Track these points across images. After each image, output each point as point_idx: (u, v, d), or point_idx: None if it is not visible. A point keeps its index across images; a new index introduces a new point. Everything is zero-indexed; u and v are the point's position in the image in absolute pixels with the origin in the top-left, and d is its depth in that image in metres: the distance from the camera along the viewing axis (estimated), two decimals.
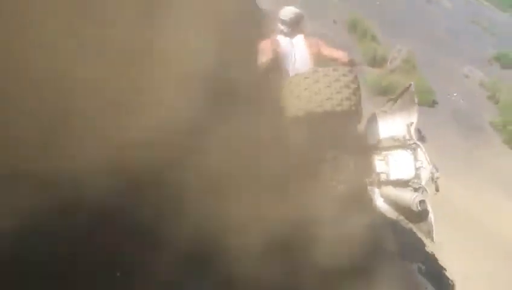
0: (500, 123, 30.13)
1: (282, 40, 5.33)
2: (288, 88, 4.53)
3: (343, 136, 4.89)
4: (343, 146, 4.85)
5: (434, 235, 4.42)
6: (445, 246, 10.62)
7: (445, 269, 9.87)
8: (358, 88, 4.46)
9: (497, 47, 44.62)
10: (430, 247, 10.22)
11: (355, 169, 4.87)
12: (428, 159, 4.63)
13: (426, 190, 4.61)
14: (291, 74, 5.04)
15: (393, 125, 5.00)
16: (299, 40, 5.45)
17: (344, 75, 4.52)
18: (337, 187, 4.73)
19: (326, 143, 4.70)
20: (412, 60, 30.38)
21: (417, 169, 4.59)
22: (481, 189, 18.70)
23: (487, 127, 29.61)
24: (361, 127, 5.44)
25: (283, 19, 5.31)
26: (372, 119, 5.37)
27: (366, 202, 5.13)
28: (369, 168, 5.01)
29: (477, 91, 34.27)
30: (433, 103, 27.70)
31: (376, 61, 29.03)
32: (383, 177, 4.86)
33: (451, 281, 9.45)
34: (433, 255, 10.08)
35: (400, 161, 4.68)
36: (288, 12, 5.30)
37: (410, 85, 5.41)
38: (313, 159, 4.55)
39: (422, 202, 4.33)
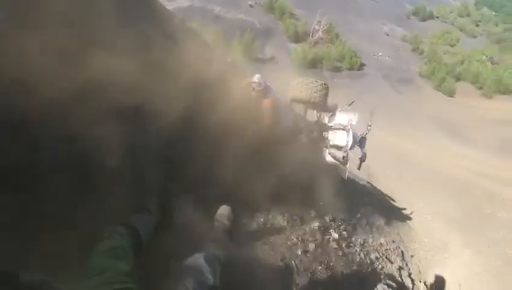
0: (428, 72, 31.06)
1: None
2: (295, 86, 6.93)
3: (315, 115, 7.56)
4: (314, 122, 7.50)
5: (346, 175, 7.21)
6: (396, 189, 10.89)
7: (393, 204, 10.10)
8: (327, 92, 6.96)
9: (413, 3, 46.16)
10: (380, 191, 10.45)
11: (319, 135, 7.33)
12: (352, 139, 6.96)
13: (348, 152, 6.86)
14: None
15: (341, 118, 7.30)
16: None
17: (321, 84, 6.87)
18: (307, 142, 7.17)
19: (304, 117, 7.43)
20: (333, 30, 30.84)
21: (347, 142, 6.95)
22: (422, 133, 19.12)
23: (416, 78, 30.40)
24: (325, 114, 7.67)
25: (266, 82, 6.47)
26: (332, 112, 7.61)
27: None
28: (324, 137, 7.37)
29: (401, 46, 35.16)
30: (361, 66, 28.24)
31: (299, 37, 29.25)
32: (330, 142, 7.20)
33: (398, 211, 9.58)
34: (383, 194, 10.35)
35: (340, 136, 7.08)
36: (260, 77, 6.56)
37: (353, 102, 8.10)
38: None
39: (345, 157, 6.85)
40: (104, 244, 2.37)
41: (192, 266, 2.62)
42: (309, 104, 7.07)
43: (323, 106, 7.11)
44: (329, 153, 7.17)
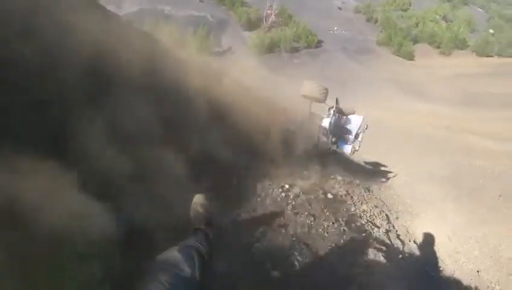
0: (385, 39, 31.32)
1: None
2: (305, 86, 8.89)
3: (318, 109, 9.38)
4: (316, 113, 9.34)
5: (331, 148, 9.05)
6: (372, 156, 10.98)
7: (372, 171, 10.20)
8: (327, 93, 8.88)
9: None
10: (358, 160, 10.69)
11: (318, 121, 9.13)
12: (334, 124, 9.07)
13: (329, 133, 8.90)
14: None
15: (329, 111, 9.14)
16: None
17: (323, 87, 8.87)
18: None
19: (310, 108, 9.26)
20: (285, 12, 30.74)
21: (329, 124, 8.85)
22: (388, 99, 19.26)
23: (374, 47, 30.58)
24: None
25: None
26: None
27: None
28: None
29: (355, 18, 35.28)
30: (318, 43, 28.28)
31: (252, 24, 29.06)
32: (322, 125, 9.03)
33: (377, 177, 9.65)
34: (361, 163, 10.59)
35: (325, 122, 8.95)
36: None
37: (337, 99, 9.32)
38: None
39: (325, 134, 8.95)
40: None
41: (166, 260, 2.45)
42: (314, 100, 9.11)
43: (323, 102, 9.24)
44: (320, 133, 9.37)
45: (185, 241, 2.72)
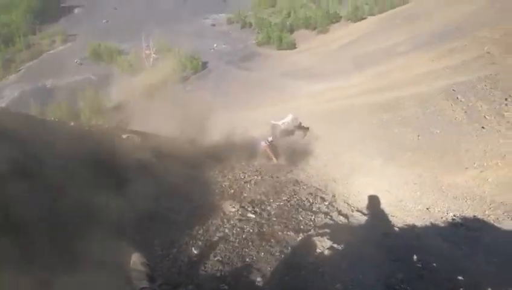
0: (264, 38, 32.08)
1: None
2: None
3: None
4: None
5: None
6: None
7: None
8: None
9: None
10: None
11: None
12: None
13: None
14: None
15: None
16: None
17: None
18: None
19: None
20: (164, 44, 30.56)
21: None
22: (288, 91, 19.52)
23: (257, 49, 31.19)
24: None
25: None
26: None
27: None
28: None
29: (230, 29, 35.86)
30: (204, 64, 28.70)
31: (136, 68, 28.58)
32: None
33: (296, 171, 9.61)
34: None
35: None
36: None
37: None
38: None
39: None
40: None
41: None
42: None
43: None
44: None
45: None
